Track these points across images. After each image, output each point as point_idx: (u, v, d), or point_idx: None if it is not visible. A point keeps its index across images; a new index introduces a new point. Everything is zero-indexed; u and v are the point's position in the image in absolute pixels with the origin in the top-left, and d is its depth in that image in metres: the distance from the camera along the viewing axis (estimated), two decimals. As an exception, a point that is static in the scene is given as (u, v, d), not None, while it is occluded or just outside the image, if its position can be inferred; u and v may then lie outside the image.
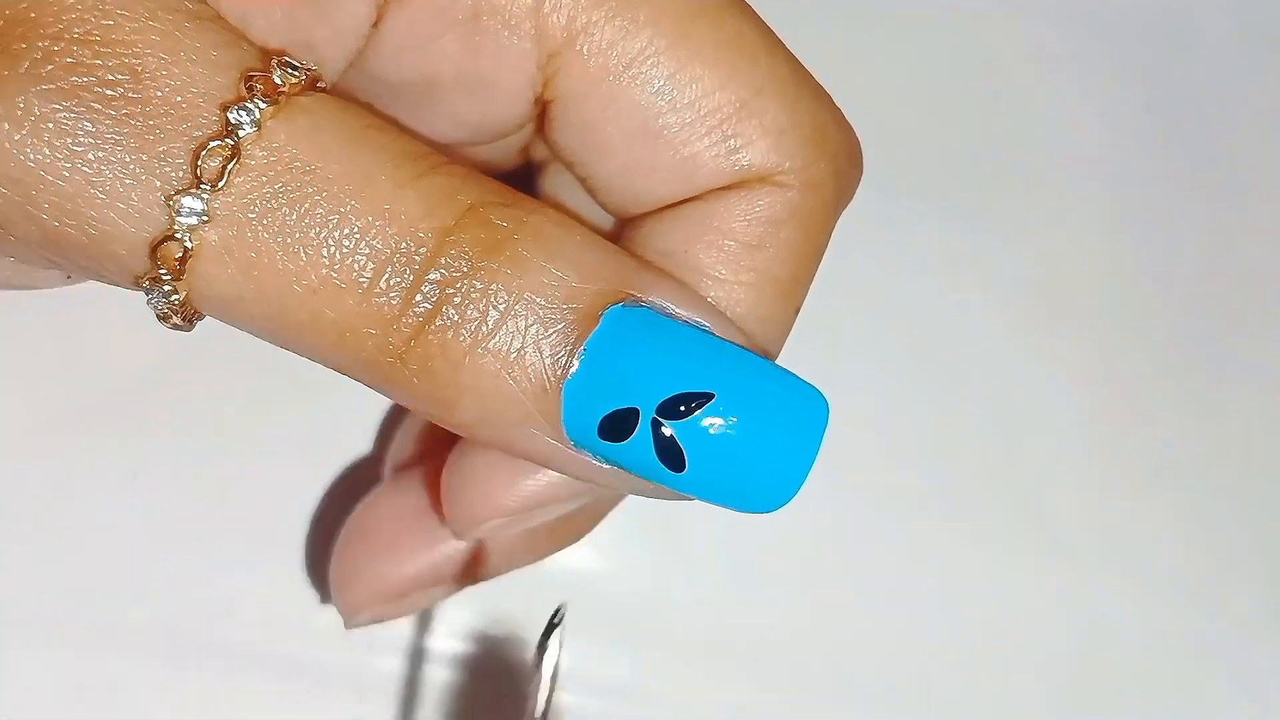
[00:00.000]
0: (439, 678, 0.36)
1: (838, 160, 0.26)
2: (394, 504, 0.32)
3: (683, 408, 0.22)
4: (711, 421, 0.22)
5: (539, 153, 0.30)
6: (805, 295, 0.27)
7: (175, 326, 0.22)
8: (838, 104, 0.27)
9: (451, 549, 0.31)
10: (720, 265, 0.26)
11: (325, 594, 0.34)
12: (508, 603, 0.36)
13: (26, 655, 0.35)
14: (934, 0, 0.43)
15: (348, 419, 0.37)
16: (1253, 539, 0.41)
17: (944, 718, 0.39)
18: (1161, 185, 0.43)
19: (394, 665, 0.36)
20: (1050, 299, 0.41)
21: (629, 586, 0.38)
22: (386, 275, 0.21)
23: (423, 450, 0.34)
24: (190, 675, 0.35)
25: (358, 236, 0.21)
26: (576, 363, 0.22)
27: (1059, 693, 0.39)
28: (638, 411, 0.22)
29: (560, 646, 0.27)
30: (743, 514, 0.24)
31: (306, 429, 0.37)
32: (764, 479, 0.23)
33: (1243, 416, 0.42)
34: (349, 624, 0.33)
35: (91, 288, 0.26)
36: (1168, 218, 0.42)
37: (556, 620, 0.26)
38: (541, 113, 0.26)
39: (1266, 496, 0.41)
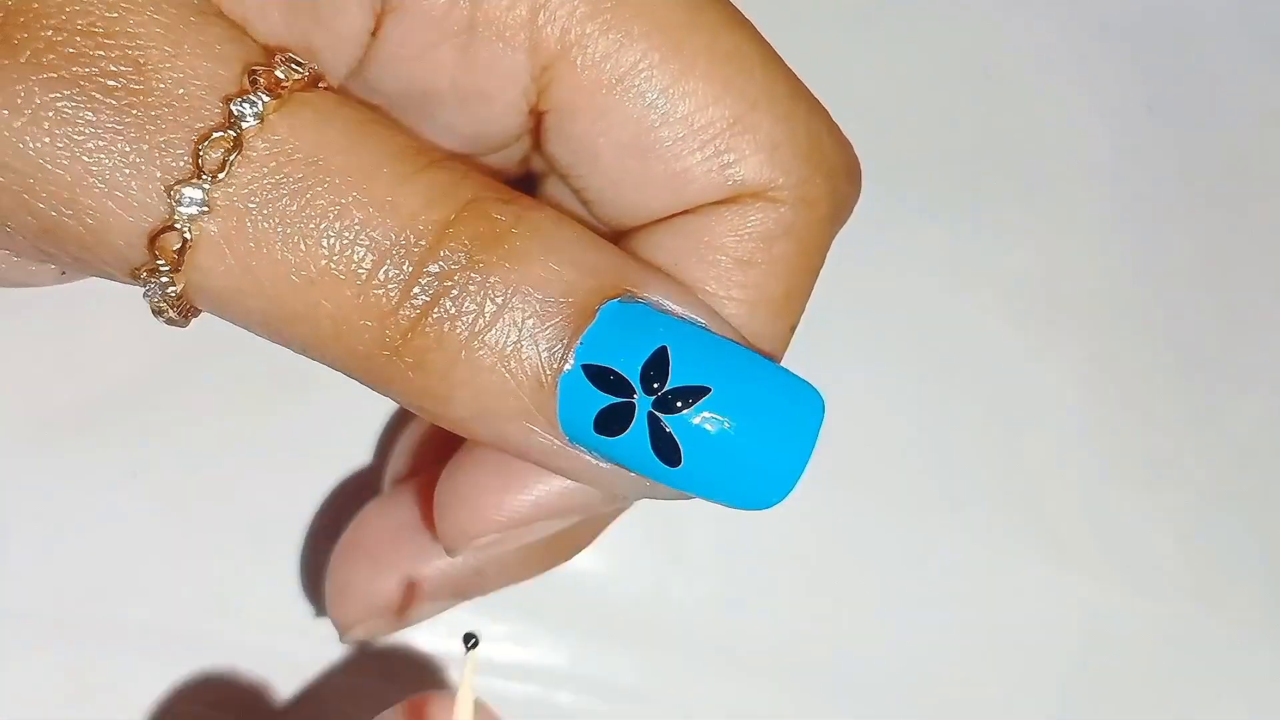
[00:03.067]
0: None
1: (834, 176, 0.26)
2: (387, 518, 0.32)
3: (679, 402, 0.22)
4: (707, 415, 0.22)
5: (539, 163, 0.30)
6: (801, 312, 0.27)
7: (170, 321, 0.22)
8: (838, 107, 0.27)
9: (445, 564, 0.31)
10: (711, 280, 0.26)
11: (322, 604, 0.34)
12: (508, 600, 0.36)
13: (26, 655, 0.35)
14: (934, 0, 0.43)
15: (351, 419, 0.37)
16: (1253, 539, 0.41)
17: (944, 718, 0.39)
18: (1161, 185, 0.43)
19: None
20: (1050, 299, 0.41)
21: (629, 587, 0.38)
22: (385, 267, 0.21)
23: (417, 464, 0.34)
24: (190, 675, 0.35)
25: (358, 228, 0.21)
26: (572, 357, 0.22)
27: (1059, 693, 0.39)
28: (633, 406, 0.22)
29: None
30: (739, 510, 0.24)
31: (308, 431, 0.37)
32: (760, 474, 0.23)
33: (1242, 416, 0.42)
34: (344, 639, 0.32)
35: (92, 286, 0.26)
36: (1168, 217, 0.42)
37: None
38: (537, 124, 0.26)
39: (1266, 496, 0.41)
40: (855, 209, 0.29)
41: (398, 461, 0.34)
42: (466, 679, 0.26)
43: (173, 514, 0.36)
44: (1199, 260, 0.42)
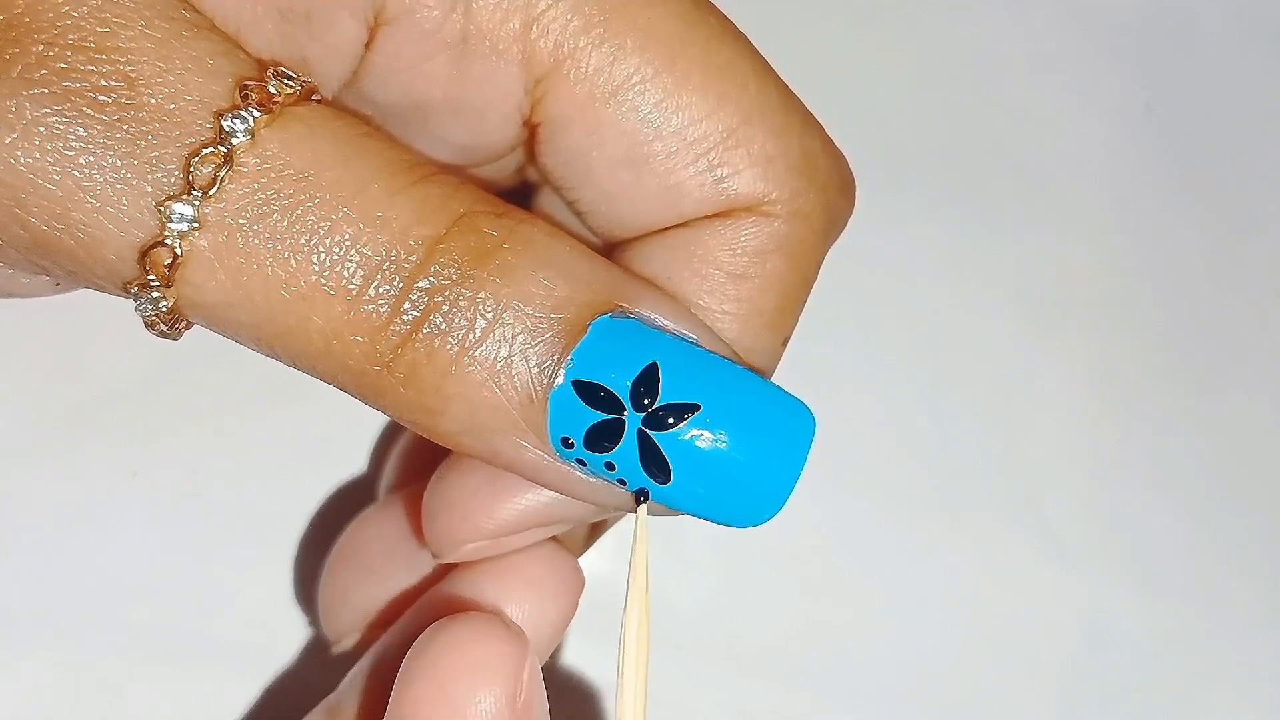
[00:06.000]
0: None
1: (827, 190, 0.26)
2: (378, 528, 0.32)
3: (670, 419, 0.22)
4: (697, 433, 0.22)
5: (534, 174, 0.30)
6: (793, 326, 0.27)
7: (162, 334, 0.22)
8: (838, 107, 0.27)
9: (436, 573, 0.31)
10: (704, 294, 0.26)
11: (316, 606, 0.34)
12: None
13: (26, 655, 0.35)
14: (934, 0, 0.43)
15: (350, 423, 0.37)
16: (1253, 539, 0.41)
17: (944, 718, 0.39)
18: (1161, 185, 0.42)
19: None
20: (1050, 299, 0.41)
21: (629, 587, 0.38)
22: (376, 282, 0.22)
23: (407, 474, 0.34)
24: (190, 675, 0.35)
25: (348, 244, 0.21)
26: (563, 372, 0.22)
27: (1058, 692, 0.39)
28: (623, 422, 0.22)
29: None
30: (729, 528, 0.24)
31: (307, 430, 0.37)
32: (749, 492, 0.23)
33: (1243, 416, 0.41)
34: (336, 649, 0.32)
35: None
36: (1168, 217, 0.42)
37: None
38: (531, 136, 0.26)
39: (1266, 496, 0.41)
40: (856, 209, 0.28)
41: (391, 470, 0.34)
42: (641, 539, 0.24)
43: (173, 514, 0.36)
44: (1199, 260, 0.42)
